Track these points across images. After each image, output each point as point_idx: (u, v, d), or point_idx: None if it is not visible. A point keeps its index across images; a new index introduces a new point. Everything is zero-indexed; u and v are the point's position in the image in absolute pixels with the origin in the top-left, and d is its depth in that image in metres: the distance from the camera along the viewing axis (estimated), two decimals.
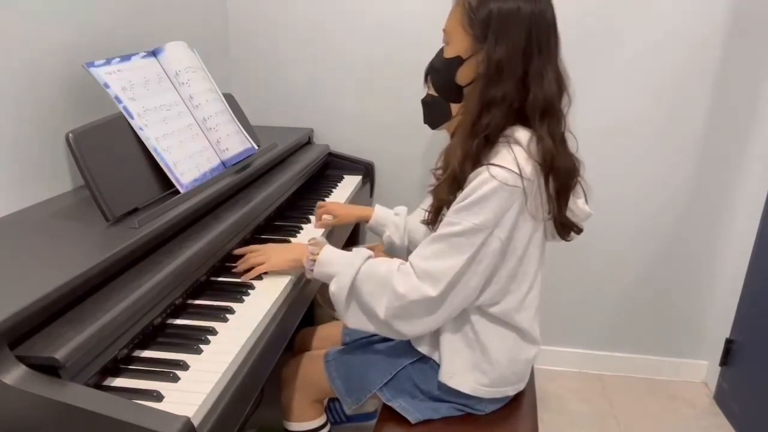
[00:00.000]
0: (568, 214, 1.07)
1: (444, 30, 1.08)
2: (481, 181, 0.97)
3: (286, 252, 1.17)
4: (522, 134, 1.00)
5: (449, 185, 1.03)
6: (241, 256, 1.18)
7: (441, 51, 1.10)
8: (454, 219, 0.99)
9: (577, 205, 1.10)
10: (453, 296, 1.01)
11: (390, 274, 1.02)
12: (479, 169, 0.98)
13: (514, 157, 0.97)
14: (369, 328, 1.07)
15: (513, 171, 0.96)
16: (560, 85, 1.02)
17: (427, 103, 1.17)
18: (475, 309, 1.08)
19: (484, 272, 1.01)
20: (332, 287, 1.08)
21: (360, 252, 1.10)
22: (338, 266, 1.08)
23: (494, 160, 0.98)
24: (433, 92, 1.14)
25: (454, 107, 1.11)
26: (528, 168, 0.97)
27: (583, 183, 1.10)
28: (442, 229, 1.01)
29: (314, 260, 1.11)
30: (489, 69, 0.98)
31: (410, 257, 1.05)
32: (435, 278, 0.99)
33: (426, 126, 1.21)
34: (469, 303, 1.05)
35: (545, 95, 0.99)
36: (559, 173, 1.01)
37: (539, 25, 0.98)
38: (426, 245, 1.02)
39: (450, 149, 1.05)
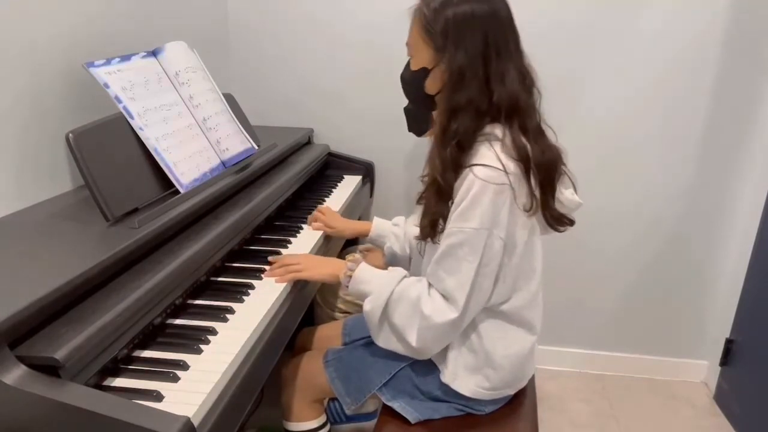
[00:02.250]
0: (557, 205, 1.08)
1: (407, 44, 1.10)
2: (468, 185, 0.97)
3: (324, 266, 1.18)
4: (499, 131, 1.01)
5: (436, 197, 1.03)
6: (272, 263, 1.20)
7: (408, 64, 1.12)
8: (453, 228, 1.00)
9: (566, 196, 1.11)
10: (471, 305, 1.02)
11: (419, 297, 1.03)
12: (464, 173, 0.99)
13: (496, 154, 0.98)
14: (399, 349, 1.08)
15: (497, 168, 0.97)
16: (526, 80, 1.03)
17: (408, 111, 1.18)
18: (482, 312, 1.08)
19: (493, 272, 1.02)
20: (366, 306, 1.09)
21: (395, 272, 1.11)
22: (373, 285, 1.09)
23: (476, 159, 0.99)
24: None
25: (435, 115, 1.12)
26: (511, 163, 0.98)
27: (569, 173, 1.11)
28: (446, 241, 1.01)
29: (351, 276, 1.12)
30: (452, 76, 1.00)
31: (428, 277, 1.06)
32: (453, 297, 1.01)
33: None
34: (484, 304, 1.06)
35: (509, 94, 1.00)
36: (540, 167, 1.01)
37: (495, 27, 1.00)
38: (436, 264, 1.03)
39: (430, 158, 1.06)
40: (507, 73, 1.00)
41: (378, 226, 1.46)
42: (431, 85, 1.07)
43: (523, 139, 1.00)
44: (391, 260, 1.42)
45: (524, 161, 0.99)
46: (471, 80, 0.99)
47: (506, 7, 1.03)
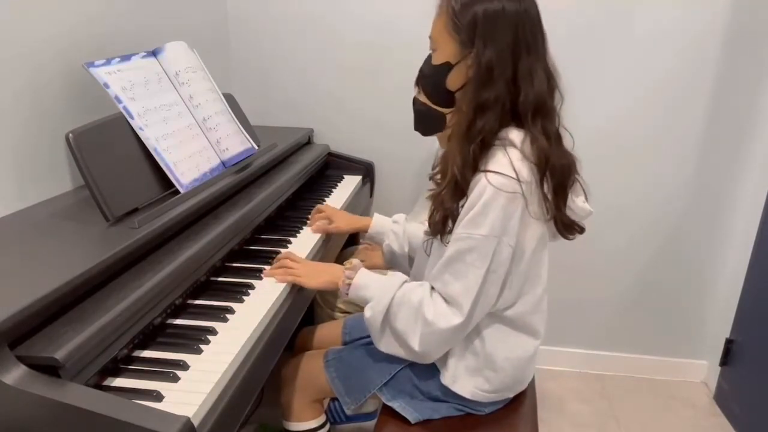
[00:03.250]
0: (568, 212, 1.07)
1: (430, 37, 1.07)
2: (481, 191, 0.96)
3: (323, 273, 1.17)
4: (516, 135, 1.00)
5: (452, 193, 1.02)
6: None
7: (429, 57, 1.09)
8: (462, 234, 0.99)
9: (577, 204, 1.10)
10: (476, 311, 1.02)
11: (421, 302, 1.03)
12: (477, 177, 0.98)
13: (510, 161, 0.97)
14: (401, 354, 1.08)
15: (509, 176, 0.96)
16: (551, 82, 1.02)
17: (419, 111, 1.16)
18: (486, 316, 1.07)
19: (500, 279, 1.01)
20: (367, 313, 1.08)
21: (395, 277, 1.11)
22: (373, 291, 1.09)
23: (490, 165, 0.98)
24: (424, 98, 1.13)
25: (449, 118, 1.10)
26: (524, 170, 0.97)
27: (582, 181, 1.10)
28: (454, 245, 1.00)
29: (350, 284, 1.11)
30: (479, 72, 0.98)
31: (431, 281, 1.05)
32: (458, 302, 1.00)
33: None
34: (489, 310, 1.05)
35: (536, 93, 0.98)
36: (555, 171, 1.00)
37: (525, 24, 0.98)
38: (443, 267, 1.02)
39: (448, 155, 1.04)
40: (535, 72, 0.99)
41: (377, 222, 1.45)
42: (453, 81, 1.05)
43: (545, 142, 0.99)
44: (390, 258, 1.42)
45: (542, 165, 0.98)
46: (499, 77, 0.97)
47: (535, 6, 1.01)
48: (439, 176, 1.07)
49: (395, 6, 1.82)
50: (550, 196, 1.01)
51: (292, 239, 1.37)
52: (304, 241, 1.37)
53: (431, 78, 1.09)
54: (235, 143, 1.39)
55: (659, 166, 1.88)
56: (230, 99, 1.51)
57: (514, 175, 0.96)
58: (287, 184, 1.51)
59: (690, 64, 1.77)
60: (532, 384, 1.25)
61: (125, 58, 1.19)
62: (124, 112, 1.11)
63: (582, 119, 1.84)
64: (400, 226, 1.40)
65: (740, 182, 1.87)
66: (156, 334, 0.94)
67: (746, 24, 1.71)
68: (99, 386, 0.80)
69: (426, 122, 1.16)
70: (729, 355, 1.94)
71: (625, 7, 1.74)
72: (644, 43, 1.76)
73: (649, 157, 1.88)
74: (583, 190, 1.12)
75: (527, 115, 0.99)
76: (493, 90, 0.98)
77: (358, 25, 1.87)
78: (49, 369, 0.71)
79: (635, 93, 1.82)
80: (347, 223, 1.48)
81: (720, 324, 1.98)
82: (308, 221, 1.47)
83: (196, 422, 0.75)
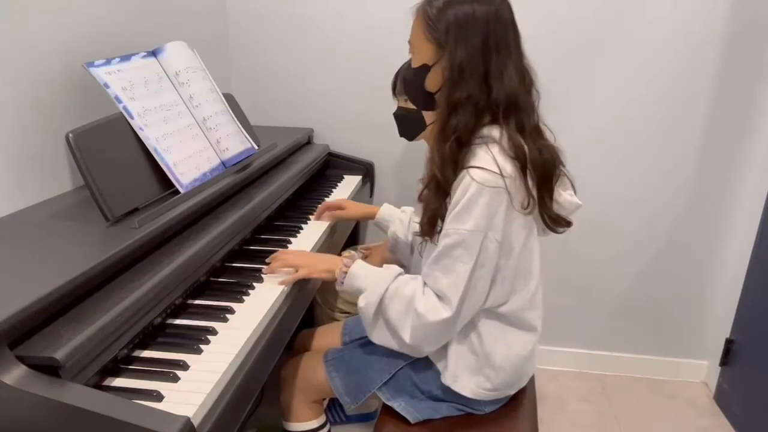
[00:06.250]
0: (556, 206, 1.08)
1: (409, 42, 1.11)
2: (465, 187, 0.98)
3: (320, 262, 1.18)
4: (496, 132, 1.02)
5: (435, 193, 1.04)
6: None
7: (409, 62, 1.13)
8: (449, 230, 1.01)
9: (564, 197, 1.11)
10: (465, 307, 1.02)
11: (414, 294, 1.04)
12: (461, 174, 1.00)
13: (493, 157, 0.98)
14: (393, 346, 1.09)
15: (493, 171, 0.97)
16: (525, 79, 1.04)
17: (399, 116, 1.19)
18: (482, 313, 1.08)
19: (489, 274, 1.02)
20: (361, 302, 1.09)
21: (390, 269, 1.11)
22: (368, 281, 1.09)
23: (474, 162, 0.99)
24: (403, 104, 1.16)
25: (428, 117, 1.12)
26: (508, 166, 0.99)
27: (569, 175, 1.11)
28: (442, 241, 1.02)
29: (346, 272, 1.12)
30: (452, 72, 1.01)
31: (424, 277, 1.06)
32: (447, 297, 1.01)
33: None
34: (479, 307, 1.06)
35: (507, 91, 1.01)
36: (535, 165, 1.02)
37: (496, 26, 1.01)
38: (433, 264, 1.03)
39: (430, 155, 1.07)
40: (506, 70, 1.01)
41: (385, 210, 1.50)
42: (432, 82, 1.07)
43: (520, 138, 1.01)
44: (393, 244, 1.46)
45: (521, 160, 1.00)
46: (470, 76, 1.00)
47: (508, 8, 1.04)
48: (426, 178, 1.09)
49: (395, 7, 1.82)
50: (534, 191, 1.02)
51: (292, 239, 1.37)
52: (304, 241, 1.37)
53: (411, 81, 1.12)
54: (235, 143, 1.39)
55: (659, 166, 1.88)
56: (230, 99, 1.51)
57: (497, 170, 0.97)
58: (287, 184, 1.51)
59: (690, 64, 1.77)
60: (531, 383, 1.25)
61: (125, 58, 1.19)
62: (124, 112, 1.11)
63: (581, 119, 1.84)
64: (407, 215, 1.44)
65: (740, 182, 1.86)
66: (156, 334, 0.94)
67: (746, 24, 1.71)
68: (99, 386, 0.80)
69: (406, 125, 1.19)
70: (729, 355, 1.94)
71: (625, 6, 1.74)
72: (644, 43, 1.76)
73: (649, 157, 1.88)
74: (571, 184, 1.13)
75: (499, 112, 1.01)
76: (465, 89, 1.00)
77: (357, 25, 1.87)
78: (49, 369, 0.71)
79: (634, 93, 1.81)
80: (358, 208, 1.51)
81: (720, 324, 1.98)
82: (310, 220, 1.48)
83: (196, 422, 0.75)
